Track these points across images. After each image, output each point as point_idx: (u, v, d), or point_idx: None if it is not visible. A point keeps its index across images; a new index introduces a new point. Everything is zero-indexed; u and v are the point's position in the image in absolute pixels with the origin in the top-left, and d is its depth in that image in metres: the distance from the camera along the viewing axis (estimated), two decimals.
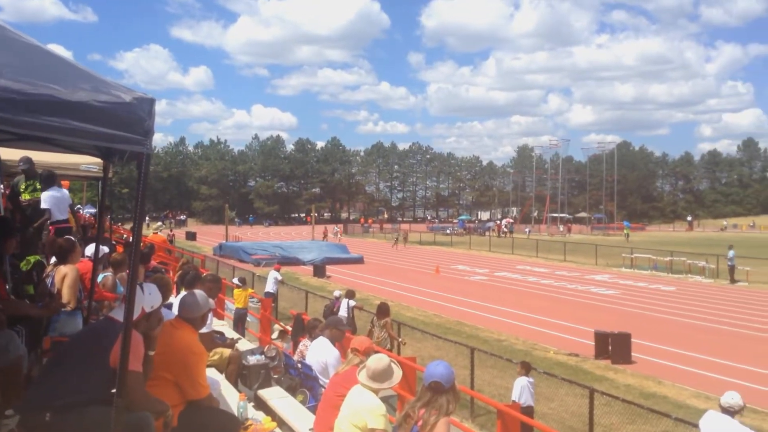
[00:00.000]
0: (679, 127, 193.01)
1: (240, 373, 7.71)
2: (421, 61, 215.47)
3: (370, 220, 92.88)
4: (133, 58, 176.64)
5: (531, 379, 9.63)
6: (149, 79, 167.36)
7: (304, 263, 34.95)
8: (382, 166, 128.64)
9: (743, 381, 12.85)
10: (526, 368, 9.78)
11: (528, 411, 9.31)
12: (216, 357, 7.14)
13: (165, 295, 5.42)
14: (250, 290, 16.13)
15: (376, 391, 4.75)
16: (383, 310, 12.54)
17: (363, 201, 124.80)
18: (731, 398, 6.39)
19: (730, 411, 6.36)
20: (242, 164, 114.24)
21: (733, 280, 29.81)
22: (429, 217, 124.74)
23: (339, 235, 54.10)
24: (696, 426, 6.68)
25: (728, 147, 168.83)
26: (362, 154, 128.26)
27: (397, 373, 4.90)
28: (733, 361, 14.78)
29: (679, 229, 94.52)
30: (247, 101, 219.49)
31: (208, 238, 50.48)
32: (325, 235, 50.53)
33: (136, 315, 3.89)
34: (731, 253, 30.31)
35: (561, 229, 79.39)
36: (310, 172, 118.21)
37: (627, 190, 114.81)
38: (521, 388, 9.43)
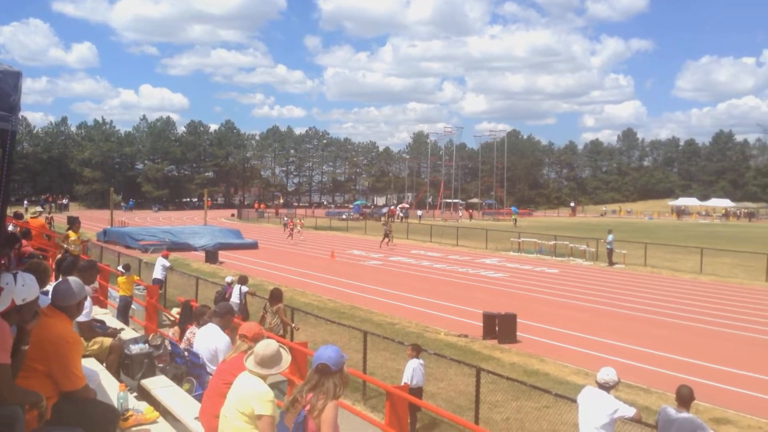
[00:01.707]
0: (565, 117, 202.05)
1: (122, 363, 7.42)
2: (318, 45, 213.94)
3: (263, 205, 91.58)
4: (10, 32, 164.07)
5: (421, 361, 9.81)
6: (28, 54, 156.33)
7: (195, 249, 34.01)
8: (278, 151, 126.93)
9: (619, 358, 13.68)
10: (417, 350, 9.96)
11: (418, 391, 9.50)
12: (95, 347, 6.81)
13: (43, 281, 5.09)
14: (135, 277, 15.50)
15: (264, 378, 4.68)
16: (276, 295, 12.39)
17: (258, 186, 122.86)
18: (606, 374, 6.77)
19: (605, 386, 6.74)
20: (129, 146, 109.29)
21: (611, 263, 31.61)
22: (325, 202, 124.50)
23: (300, 227, 45.17)
24: (574, 401, 7.02)
25: (609, 137, 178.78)
26: (257, 138, 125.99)
27: (286, 358, 4.85)
28: (611, 339, 15.70)
29: (563, 214, 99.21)
30: (135, 81, 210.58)
31: (92, 223, 48.06)
32: (291, 229, 42.94)
33: (5, 306, 3.65)
34: (610, 237, 32.10)
35: (461, 214, 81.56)
36: (203, 155, 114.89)
37: (516, 176, 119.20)
38: (412, 370, 9.59)
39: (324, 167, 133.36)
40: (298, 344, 10.19)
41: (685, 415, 6.17)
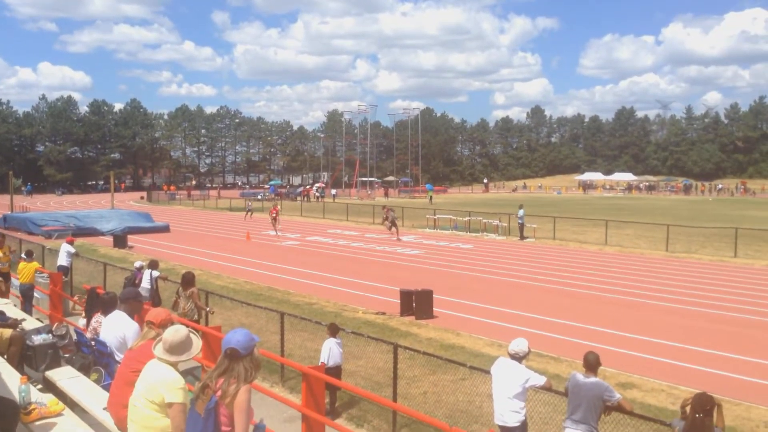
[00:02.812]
0: (476, 94, 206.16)
1: (24, 355, 7.09)
2: (227, 21, 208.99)
3: (173, 187, 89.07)
4: None
5: (339, 340, 9.80)
6: None
7: (103, 234, 32.72)
8: (189, 131, 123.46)
9: (531, 328, 14.12)
10: (334, 330, 9.93)
11: (336, 370, 9.50)
12: None
13: None
14: (35, 264, 14.73)
15: (174, 364, 4.55)
16: (188, 279, 12.05)
17: (168, 167, 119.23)
18: (517, 345, 6.95)
19: (517, 357, 6.91)
20: (28, 127, 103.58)
21: (522, 237, 32.56)
22: (240, 183, 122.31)
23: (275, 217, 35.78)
24: (489, 372, 7.18)
25: (519, 114, 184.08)
26: (166, 117, 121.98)
27: (197, 343, 4.73)
28: (523, 310, 16.19)
29: (476, 190, 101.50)
30: (33, 58, 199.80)
31: None
32: (275, 217, 35.02)
33: None
34: (521, 212, 33.03)
35: (372, 192, 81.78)
36: (108, 136, 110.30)
37: (430, 154, 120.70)
38: (329, 349, 9.57)
39: (237, 147, 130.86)
40: (212, 329, 9.96)
41: (592, 379, 6.42)
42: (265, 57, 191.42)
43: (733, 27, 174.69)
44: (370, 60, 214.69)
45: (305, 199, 68.10)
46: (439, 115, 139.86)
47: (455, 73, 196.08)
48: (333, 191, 77.64)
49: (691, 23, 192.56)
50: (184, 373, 4.82)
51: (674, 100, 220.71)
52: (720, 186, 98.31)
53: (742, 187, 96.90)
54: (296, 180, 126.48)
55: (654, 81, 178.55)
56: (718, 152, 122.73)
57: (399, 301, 15.77)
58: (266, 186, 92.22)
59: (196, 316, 11.91)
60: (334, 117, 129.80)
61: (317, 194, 71.92)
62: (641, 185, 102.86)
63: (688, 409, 5.38)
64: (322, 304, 16.80)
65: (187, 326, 5.08)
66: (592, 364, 6.53)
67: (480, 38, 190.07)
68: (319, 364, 9.16)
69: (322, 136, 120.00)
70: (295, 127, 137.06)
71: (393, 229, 32.70)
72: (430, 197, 69.49)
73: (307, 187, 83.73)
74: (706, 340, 13.48)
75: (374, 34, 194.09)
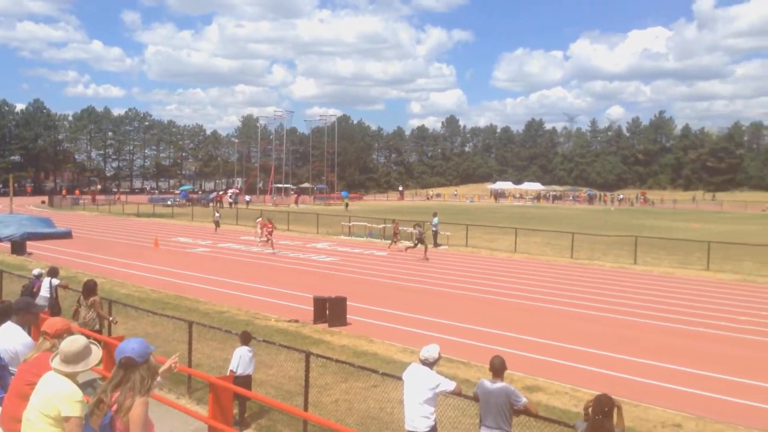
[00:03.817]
0: (393, 103, 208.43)
1: None
2: (138, 21, 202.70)
3: (77, 191, 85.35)
4: None
5: (250, 348, 9.60)
6: None
7: (0, 239, 30.89)
8: (95, 133, 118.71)
9: (442, 334, 14.30)
10: (246, 338, 9.72)
11: (247, 380, 9.30)
12: None
13: None
14: None
15: (71, 376, 4.32)
16: (90, 288, 11.53)
17: (72, 170, 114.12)
18: (428, 351, 7.01)
19: (428, 363, 6.97)
20: None
21: (436, 244, 33.02)
22: (149, 188, 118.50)
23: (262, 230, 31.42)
24: (400, 378, 7.20)
25: (434, 123, 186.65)
26: (71, 119, 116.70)
27: (96, 353, 4.51)
28: (435, 317, 16.39)
29: (392, 198, 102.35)
30: None
31: None
32: (269, 232, 30.08)
33: None
34: (435, 219, 33.52)
35: (287, 198, 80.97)
36: (8, 137, 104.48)
37: (346, 161, 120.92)
38: (239, 358, 9.36)
39: (146, 151, 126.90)
40: (115, 339, 9.55)
41: (499, 385, 6.55)
42: (177, 59, 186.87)
43: (636, 44, 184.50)
44: (287, 65, 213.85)
45: (218, 205, 66.73)
46: (355, 122, 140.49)
47: (372, 81, 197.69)
48: (247, 197, 76.40)
49: (598, 40, 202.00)
50: (84, 385, 4.58)
51: (580, 114, 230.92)
52: (621, 196, 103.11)
53: (642, 197, 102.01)
54: (209, 185, 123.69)
55: (562, 95, 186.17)
56: (620, 164, 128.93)
57: (312, 308, 15.64)
58: (176, 191, 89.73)
59: (98, 326, 11.42)
60: (249, 122, 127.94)
61: (231, 200, 70.56)
62: (548, 194, 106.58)
63: (590, 410, 5.56)
64: (233, 313, 16.45)
65: (89, 336, 4.85)
66: (497, 368, 6.67)
67: (397, 47, 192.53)
68: (228, 372, 8.95)
69: (237, 141, 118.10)
70: (209, 132, 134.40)
71: (420, 246, 28.55)
72: (346, 204, 69.54)
73: (221, 192, 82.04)
74: (608, 343, 14.05)
75: (291, 39, 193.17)
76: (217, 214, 42.67)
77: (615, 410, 5.52)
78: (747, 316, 17.18)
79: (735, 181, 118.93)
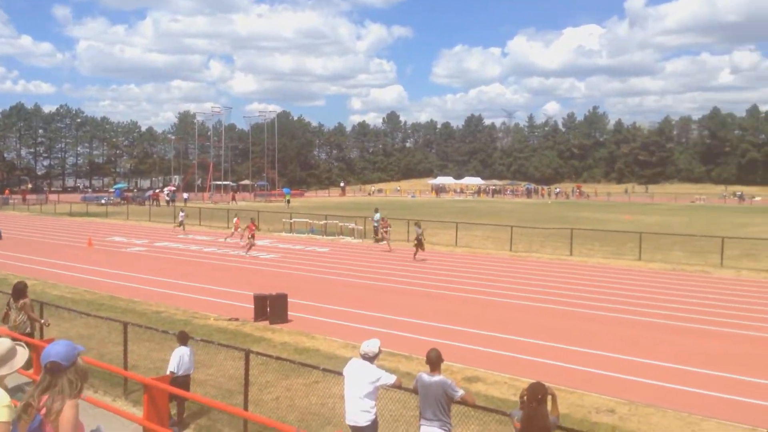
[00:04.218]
0: (334, 99, 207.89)
1: None
2: (69, 15, 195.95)
3: (6, 191, 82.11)
4: None
5: (189, 348, 9.43)
6: None
7: None
8: (24, 131, 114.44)
9: (384, 328, 14.37)
10: (184, 338, 9.54)
11: (186, 380, 9.13)
12: None
13: None
14: None
15: None
16: (19, 289, 11.10)
17: (1, 169, 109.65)
18: (368, 346, 7.04)
19: (368, 357, 6.99)
20: None
21: (377, 240, 33.10)
22: (81, 186, 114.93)
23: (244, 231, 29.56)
24: (341, 374, 7.21)
25: (375, 119, 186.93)
26: None
27: (21, 354, 4.34)
28: (378, 311, 16.45)
29: (333, 194, 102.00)
30: None
31: None
32: (251, 236, 27.86)
33: None
34: (377, 215, 33.57)
35: (226, 196, 79.65)
36: None
37: (287, 158, 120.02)
38: (178, 358, 9.18)
39: (79, 149, 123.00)
40: (46, 342, 9.23)
41: (436, 378, 6.61)
42: (110, 54, 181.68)
43: (570, 42, 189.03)
44: (224, 61, 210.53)
45: (155, 203, 65.25)
46: (296, 118, 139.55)
47: (313, 77, 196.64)
48: (185, 195, 74.90)
49: (534, 37, 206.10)
50: (14, 390, 4.42)
51: (518, 109, 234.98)
52: (558, 190, 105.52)
53: (578, 190, 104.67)
54: (145, 183, 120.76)
55: (500, 91, 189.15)
56: (556, 158, 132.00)
57: (253, 306, 15.48)
58: (111, 190, 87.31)
59: (28, 329, 11.02)
60: (186, 118, 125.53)
61: (168, 198, 69.07)
62: (488, 189, 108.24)
63: (525, 398, 5.69)
64: (171, 312, 16.12)
65: (19, 340, 4.67)
66: (434, 361, 6.74)
67: (337, 43, 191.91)
68: (168, 373, 8.78)
69: (173, 138, 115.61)
70: (144, 128, 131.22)
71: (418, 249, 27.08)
72: (288, 201, 69.00)
73: (157, 190, 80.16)
74: (545, 333, 14.38)
75: (229, 34, 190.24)
76: (182, 213, 39.08)
77: (549, 398, 5.67)
78: (677, 304, 17.85)
79: (665, 174, 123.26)
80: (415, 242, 26.96)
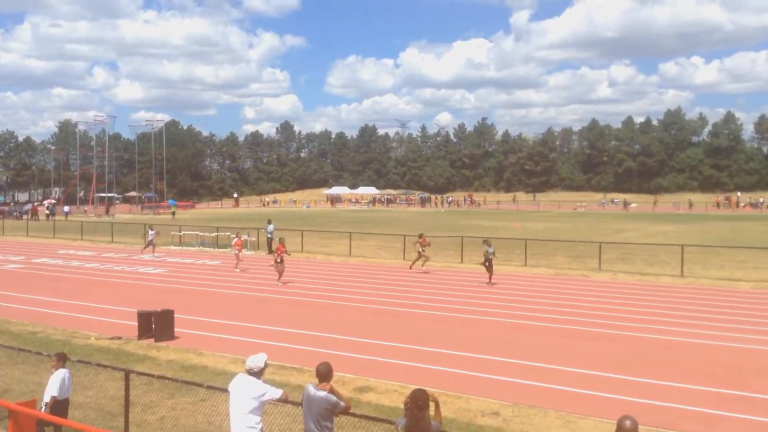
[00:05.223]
0: (226, 108, 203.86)
1: None
2: None
3: None
4: None
5: (67, 370, 8.95)
6: None
7: None
8: None
9: (276, 342, 14.21)
10: (63, 359, 9.06)
11: (64, 404, 8.67)
12: None
13: None
14: None
15: None
16: None
17: None
18: (253, 361, 6.94)
19: (253, 372, 6.90)
20: None
21: (271, 251, 32.66)
22: None
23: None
24: (227, 390, 7.07)
25: (269, 129, 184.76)
26: None
27: None
28: (269, 324, 16.26)
29: (226, 205, 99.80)
30: None
31: None
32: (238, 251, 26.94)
33: None
34: (270, 227, 33.19)
35: (113, 209, 75.98)
36: None
37: (177, 168, 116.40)
38: (60, 381, 8.70)
39: None
40: None
41: (321, 394, 6.54)
42: None
43: (460, 55, 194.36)
44: (109, 67, 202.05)
45: (33, 217, 61.52)
46: (185, 127, 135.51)
47: (203, 85, 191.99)
48: (66, 208, 70.98)
49: (425, 49, 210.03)
50: None
51: (411, 120, 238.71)
52: (450, 199, 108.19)
53: (469, 199, 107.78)
54: (23, 196, 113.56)
55: (394, 101, 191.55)
56: (448, 168, 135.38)
57: (137, 323, 14.90)
58: None
59: None
60: (67, 127, 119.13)
61: (47, 212, 65.26)
62: (383, 198, 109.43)
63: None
64: (49, 332, 15.25)
65: None
66: (323, 374, 6.71)
67: (229, 51, 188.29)
68: (49, 398, 8.30)
69: (53, 148, 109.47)
70: (21, 138, 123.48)
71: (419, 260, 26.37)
72: (173, 213, 66.85)
73: (35, 204, 75.54)
74: (433, 340, 14.70)
75: (114, 40, 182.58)
76: (151, 232, 32.34)
77: (432, 404, 5.80)
78: (558, 307, 18.74)
79: (549, 183, 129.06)
80: (486, 263, 23.50)
